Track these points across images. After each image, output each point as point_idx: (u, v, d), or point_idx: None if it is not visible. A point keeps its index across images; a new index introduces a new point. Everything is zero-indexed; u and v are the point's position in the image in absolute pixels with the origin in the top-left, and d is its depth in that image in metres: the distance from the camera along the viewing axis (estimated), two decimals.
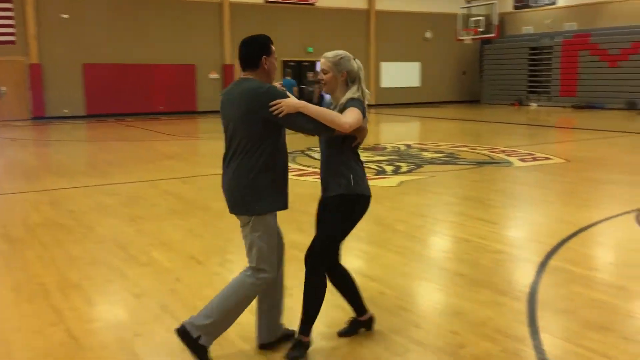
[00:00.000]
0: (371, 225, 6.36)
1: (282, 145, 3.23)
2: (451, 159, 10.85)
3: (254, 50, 3.14)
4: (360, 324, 3.59)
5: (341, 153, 3.26)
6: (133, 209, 7.01)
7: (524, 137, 15.19)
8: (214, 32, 23.57)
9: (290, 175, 9.95)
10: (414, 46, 27.97)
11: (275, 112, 3.01)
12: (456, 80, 29.58)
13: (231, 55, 23.89)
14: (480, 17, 23.69)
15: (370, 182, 7.27)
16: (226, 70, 23.89)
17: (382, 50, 27.24)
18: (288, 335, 3.45)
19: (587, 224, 6.04)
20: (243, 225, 3.28)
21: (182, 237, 5.77)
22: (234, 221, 6.35)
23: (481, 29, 23.50)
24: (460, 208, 7.08)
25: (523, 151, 11.67)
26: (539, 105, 26.25)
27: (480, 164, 10.26)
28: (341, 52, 3.31)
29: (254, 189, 3.15)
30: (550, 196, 7.79)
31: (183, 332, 3.13)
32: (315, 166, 10.08)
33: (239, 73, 3.35)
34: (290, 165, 10.22)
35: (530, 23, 27.94)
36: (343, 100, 3.23)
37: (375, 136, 16.30)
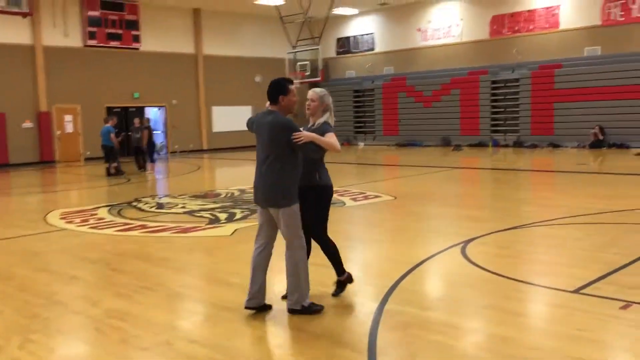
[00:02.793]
0: (202, 281, 5.92)
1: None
2: None
3: (274, 91, 4.52)
4: (342, 283, 5.05)
5: (319, 161, 4.82)
6: None
7: (354, 176, 15.68)
8: (27, 77, 21.64)
9: (113, 231, 9.04)
10: (244, 90, 28.08)
11: (296, 140, 4.38)
12: None
13: (48, 102, 22.08)
14: (306, 62, 24.48)
15: (203, 233, 7.01)
16: (42, 118, 21.98)
17: (212, 95, 26.98)
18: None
19: (418, 261, 6.13)
20: (279, 214, 4.57)
21: None
22: (41, 291, 5.55)
23: (308, 73, 24.27)
24: None
25: (355, 190, 11.95)
26: (365, 145, 27.59)
27: None
28: (323, 89, 4.95)
29: (280, 185, 4.51)
30: (382, 234, 7.92)
31: (293, 311, 4.51)
32: (146, 219, 9.37)
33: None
34: (115, 219, 9.44)
35: (353, 67, 29.52)
36: (320, 121, 4.77)
37: (208, 182, 15.84)
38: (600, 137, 20.60)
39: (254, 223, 8.67)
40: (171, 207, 10.62)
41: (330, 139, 4.57)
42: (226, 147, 27.11)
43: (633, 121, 20.17)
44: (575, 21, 22.02)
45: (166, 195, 12.61)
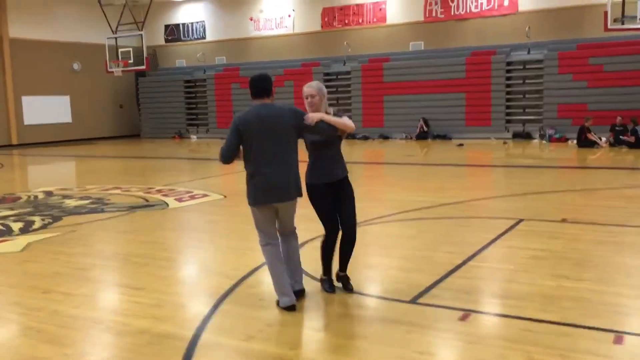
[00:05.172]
0: None
1: None
2: (99, 205, 9.42)
3: (268, 84, 4.51)
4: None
5: (339, 147, 4.72)
6: None
7: (184, 173, 14.55)
8: None
9: None
10: (61, 78, 25.38)
11: (308, 122, 4.38)
12: (113, 114, 27.87)
13: None
14: (129, 49, 22.57)
15: None
16: None
17: (22, 83, 23.98)
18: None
19: (243, 273, 5.38)
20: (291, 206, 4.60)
21: None
22: None
23: (131, 61, 22.38)
24: (98, 273, 5.77)
25: (181, 189, 10.91)
26: (198, 137, 26.37)
27: (132, 208, 9.08)
28: (317, 82, 4.75)
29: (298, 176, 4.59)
30: (205, 242, 7.02)
31: (302, 292, 4.68)
32: None
33: None
34: None
35: (183, 56, 28.05)
36: (329, 112, 4.63)
37: (9, 184, 13.73)
38: (425, 129, 21.48)
39: (53, 234, 7.35)
40: None
41: (346, 120, 4.57)
42: (41, 141, 24.33)
43: (453, 113, 21.28)
44: (401, 16, 22.73)
45: None
